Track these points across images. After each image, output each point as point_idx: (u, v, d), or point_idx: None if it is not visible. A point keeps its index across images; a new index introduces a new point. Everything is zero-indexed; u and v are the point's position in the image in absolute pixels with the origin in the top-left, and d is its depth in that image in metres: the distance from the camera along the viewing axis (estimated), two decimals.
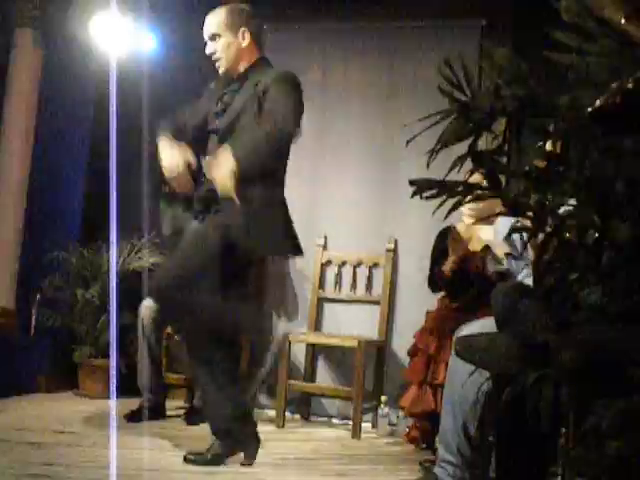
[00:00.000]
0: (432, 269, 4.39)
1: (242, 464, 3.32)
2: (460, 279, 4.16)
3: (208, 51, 3.51)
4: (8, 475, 2.88)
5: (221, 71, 3.54)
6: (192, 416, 4.33)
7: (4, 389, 4.57)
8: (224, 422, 3.32)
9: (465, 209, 3.91)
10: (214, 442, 3.34)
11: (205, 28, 3.51)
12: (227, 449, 3.33)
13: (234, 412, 3.33)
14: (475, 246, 4.06)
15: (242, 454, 3.35)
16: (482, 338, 2.25)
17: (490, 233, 3.98)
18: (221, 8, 3.54)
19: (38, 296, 4.98)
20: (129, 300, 4.59)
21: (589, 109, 1.42)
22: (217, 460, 3.30)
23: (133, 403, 4.37)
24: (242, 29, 3.48)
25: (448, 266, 4.13)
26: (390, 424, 4.47)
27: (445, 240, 4.31)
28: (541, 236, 1.64)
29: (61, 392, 4.99)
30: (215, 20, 3.50)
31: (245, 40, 3.49)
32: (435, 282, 4.33)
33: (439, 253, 4.36)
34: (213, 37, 3.49)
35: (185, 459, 3.30)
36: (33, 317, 4.96)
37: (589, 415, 1.62)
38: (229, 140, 3.31)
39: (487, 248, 3.99)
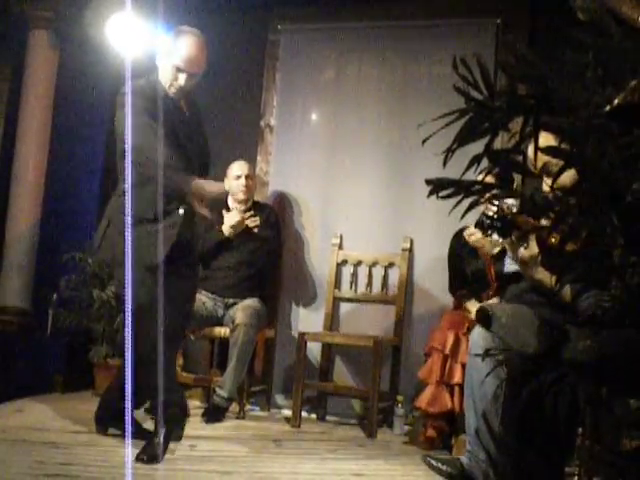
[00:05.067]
0: (451, 273, 4.37)
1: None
2: (479, 279, 4.14)
3: None
4: (25, 475, 2.90)
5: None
6: (211, 415, 4.35)
7: (21, 389, 4.60)
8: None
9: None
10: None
11: None
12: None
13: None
14: (488, 248, 4.02)
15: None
16: (505, 306, 2.23)
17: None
18: None
19: (55, 296, 5.00)
20: None
21: (607, 107, 1.42)
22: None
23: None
24: None
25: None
26: (406, 424, 4.46)
27: (461, 241, 4.28)
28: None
29: (78, 392, 5.01)
30: None
31: None
32: (456, 286, 4.33)
33: (457, 257, 4.33)
34: None
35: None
36: (50, 317, 4.98)
37: (607, 414, 1.62)
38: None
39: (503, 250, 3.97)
